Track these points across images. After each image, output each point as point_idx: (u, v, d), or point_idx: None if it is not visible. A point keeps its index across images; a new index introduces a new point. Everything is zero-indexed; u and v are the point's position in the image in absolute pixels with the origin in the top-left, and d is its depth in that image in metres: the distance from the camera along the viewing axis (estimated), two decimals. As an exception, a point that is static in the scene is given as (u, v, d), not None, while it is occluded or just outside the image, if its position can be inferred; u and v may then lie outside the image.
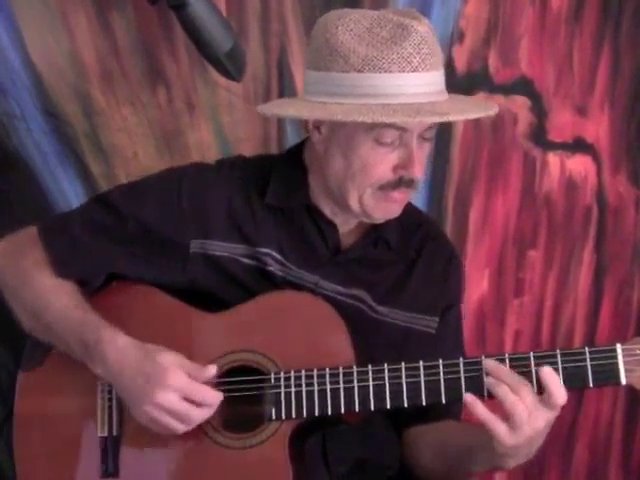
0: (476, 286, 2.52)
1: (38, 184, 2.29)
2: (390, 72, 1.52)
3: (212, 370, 1.58)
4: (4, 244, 1.76)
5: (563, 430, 2.64)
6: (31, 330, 1.71)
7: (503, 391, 1.46)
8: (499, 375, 1.48)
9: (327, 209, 1.71)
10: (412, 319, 1.74)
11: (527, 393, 1.45)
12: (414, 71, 1.52)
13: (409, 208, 1.73)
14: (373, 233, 1.74)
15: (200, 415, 1.56)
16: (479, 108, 1.66)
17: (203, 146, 2.30)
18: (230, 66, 2.09)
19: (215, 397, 1.56)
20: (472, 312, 2.53)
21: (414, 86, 1.53)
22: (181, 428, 1.56)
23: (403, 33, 1.53)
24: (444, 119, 1.53)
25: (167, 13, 2.12)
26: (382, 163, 1.59)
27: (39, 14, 2.18)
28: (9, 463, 1.72)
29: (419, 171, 1.59)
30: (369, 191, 1.62)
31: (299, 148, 1.76)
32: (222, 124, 2.31)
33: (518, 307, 2.56)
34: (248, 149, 2.00)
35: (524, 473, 2.67)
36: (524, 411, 1.44)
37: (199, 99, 2.29)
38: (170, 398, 1.53)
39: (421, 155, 1.61)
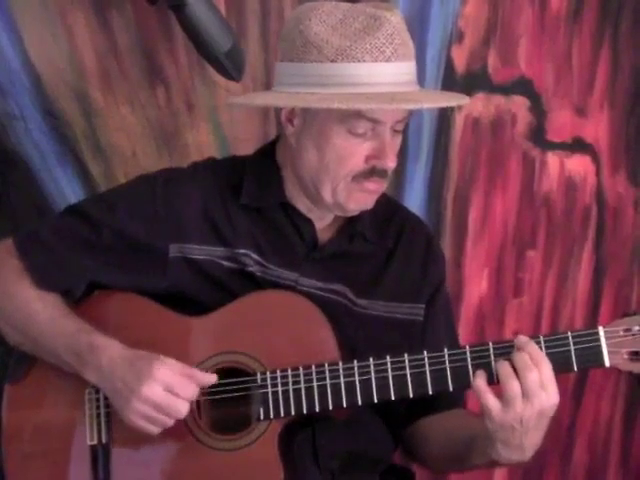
0: (475, 286, 2.52)
1: (37, 184, 2.28)
2: (363, 62, 1.54)
3: (213, 377, 1.58)
4: None
5: (562, 430, 2.64)
6: (17, 344, 1.70)
7: (503, 365, 1.49)
8: (514, 353, 1.51)
9: (302, 205, 1.71)
10: (394, 308, 1.73)
11: (528, 375, 1.47)
12: (387, 61, 1.54)
13: (382, 199, 1.73)
14: (348, 227, 1.74)
15: (185, 408, 1.55)
16: (450, 98, 1.70)
17: (202, 146, 2.30)
18: (229, 66, 2.09)
19: (195, 390, 1.56)
20: (471, 312, 2.53)
21: (387, 75, 1.55)
22: (169, 423, 1.56)
23: (375, 24, 1.55)
24: (418, 106, 1.57)
25: (166, 13, 2.12)
26: (355, 153, 1.60)
27: (38, 14, 2.17)
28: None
29: (392, 161, 1.61)
30: (342, 183, 1.63)
31: (272, 146, 1.77)
32: (221, 124, 2.31)
33: (517, 307, 2.56)
34: (247, 149, 1.99)
35: (523, 473, 2.67)
36: (516, 387, 1.47)
37: (198, 99, 2.28)
38: (155, 389, 1.53)
39: (393, 146, 1.63)
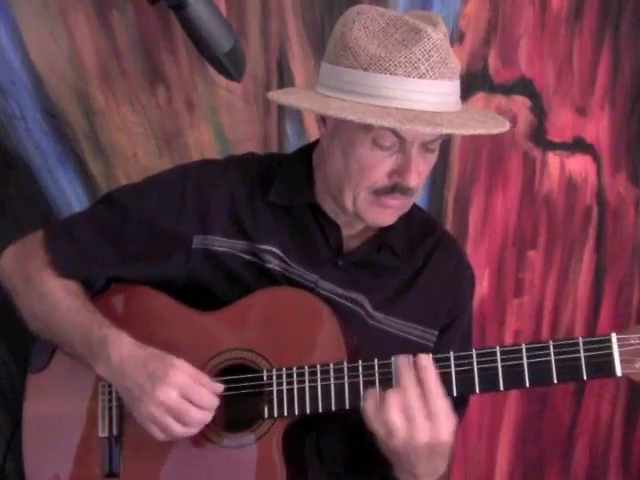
0: (476, 286, 2.51)
1: (37, 184, 2.29)
2: (395, 75, 1.48)
3: (219, 387, 1.58)
4: (14, 249, 1.77)
5: (563, 430, 2.64)
6: (38, 332, 1.72)
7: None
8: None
9: (330, 209, 1.70)
10: (409, 329, 1.72)
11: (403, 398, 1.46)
12: (421, 77, 1.48)
13: (420, 215, 1.73)
14: (378, 238, 1.72)
15: (198, 416, 1.54)
16: (481, 123, 1.60)
17: (203, 146, 2.30)
18: (230, 66, 2.09)
19: (212, 399, 1.55)
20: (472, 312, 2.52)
21: (419, 93, 1.49)
22: (179, 430, 1.54)
23: (415, 37, 1.49)
24: (436, 130, 1.48)
25: (167, 13, 2.12)
26: (378, 166, 1.56)
27: (39, 14, 2.18)
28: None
29: (415, 180, 1.56)
30: (363, 194, 1.60)
31: (311, 146, 1.75)
32: (222, 124, 2.31)
33: (518, 307, 2.56)
34: (248, 149, 2.00)
35: (524, 473, 2.66)
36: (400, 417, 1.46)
37: (199, 99, 2.29)
38: (170, 394, 1.52)
39: (422, 165, 1.58)
